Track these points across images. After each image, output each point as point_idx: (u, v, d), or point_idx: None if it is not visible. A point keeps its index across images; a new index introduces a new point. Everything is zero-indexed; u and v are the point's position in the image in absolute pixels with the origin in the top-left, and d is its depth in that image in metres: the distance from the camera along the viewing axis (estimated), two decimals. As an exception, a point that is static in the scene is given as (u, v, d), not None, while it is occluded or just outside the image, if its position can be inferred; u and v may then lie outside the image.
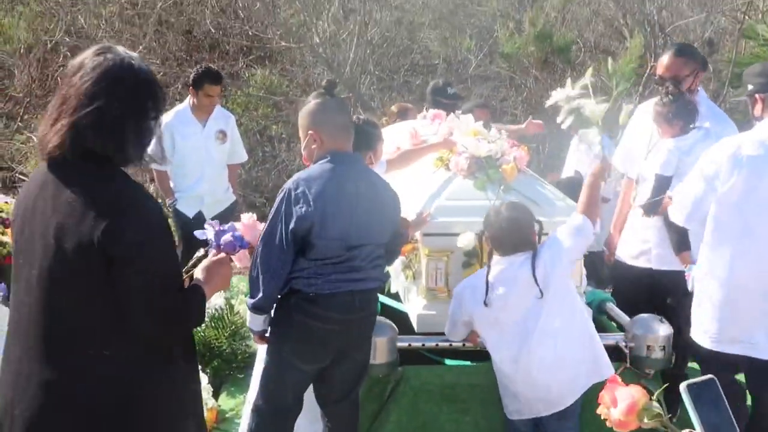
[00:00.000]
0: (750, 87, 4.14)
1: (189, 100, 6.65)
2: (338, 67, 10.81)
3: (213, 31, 11.45)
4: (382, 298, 4.50)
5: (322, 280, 3.51)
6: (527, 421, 3.90)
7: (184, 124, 6.54)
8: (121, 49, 2.52)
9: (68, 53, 11.36)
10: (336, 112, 3.64)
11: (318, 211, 3.44)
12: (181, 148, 6.50)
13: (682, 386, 1.81)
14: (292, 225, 3.44)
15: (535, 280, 3.72)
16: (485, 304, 3.79)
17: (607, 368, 3.85)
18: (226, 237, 3.10)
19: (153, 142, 2.56)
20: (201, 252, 3.15)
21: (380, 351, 3.98)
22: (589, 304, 4.51)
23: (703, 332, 4.07)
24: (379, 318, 3.97)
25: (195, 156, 6.56)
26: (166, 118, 6.53)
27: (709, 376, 1.85)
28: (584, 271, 4.43)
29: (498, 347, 3.87)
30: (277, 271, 3.50)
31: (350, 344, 3.68)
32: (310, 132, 3.60)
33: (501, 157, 4.43)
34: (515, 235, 3.81)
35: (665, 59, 4.78)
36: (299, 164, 11.20)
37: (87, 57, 2.46)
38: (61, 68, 11.43)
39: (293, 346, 3.61)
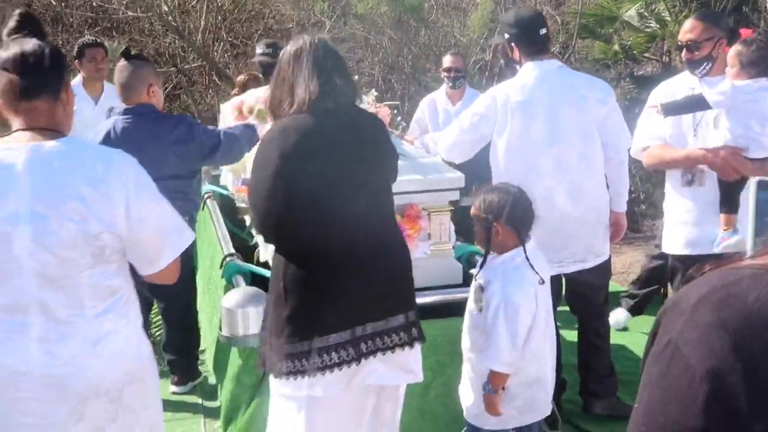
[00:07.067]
0: (506, 36, 4.46)
1: (79, 76, 6.65)
2: (189, 36, 10.53)
3: (54, 3, 10.94)
4: (253, 268, 4.42)
5: None
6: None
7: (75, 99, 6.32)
8: None
9: None
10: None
11: None
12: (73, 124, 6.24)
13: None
14: None
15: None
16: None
17: None
18: None
19: None
20: None
21: (254, 321, 3.90)
22: (458, 258, 4.56)
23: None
24: (252, 288, 3.94)
25: (87, 134, 6.27)
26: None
27: None
28: (452, 226, 4.46)
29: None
30: None
31: None
32: None
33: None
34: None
35: (686, 24, 4.50)
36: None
37: None
38: None
39: None
